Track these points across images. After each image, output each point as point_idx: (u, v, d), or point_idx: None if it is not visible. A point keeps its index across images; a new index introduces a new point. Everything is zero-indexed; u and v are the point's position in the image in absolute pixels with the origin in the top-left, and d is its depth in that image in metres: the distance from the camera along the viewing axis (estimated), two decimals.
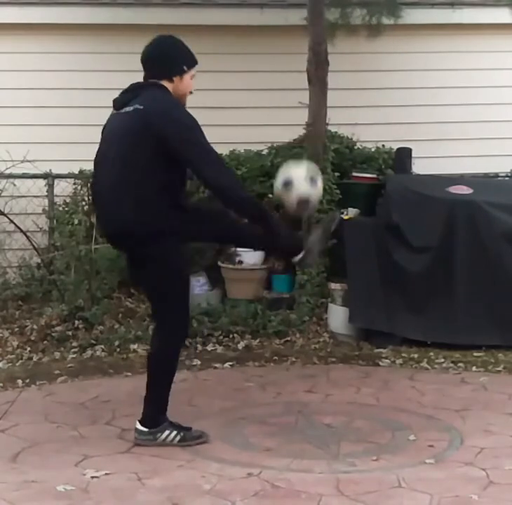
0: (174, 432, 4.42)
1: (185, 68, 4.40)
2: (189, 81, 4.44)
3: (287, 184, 4.49)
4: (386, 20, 7.58)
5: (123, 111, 4.36)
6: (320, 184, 4.58)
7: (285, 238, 4.68)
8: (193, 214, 4.50)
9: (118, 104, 4.43)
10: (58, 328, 6.62)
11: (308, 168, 4.61)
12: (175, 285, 4.40)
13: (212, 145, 4.31)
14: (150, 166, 4.23)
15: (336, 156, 7.40)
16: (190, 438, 4.43)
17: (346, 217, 7.09)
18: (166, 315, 4.45)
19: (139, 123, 4.25)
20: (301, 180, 4.48)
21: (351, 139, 8.01)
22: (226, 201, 4.41)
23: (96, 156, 4.47)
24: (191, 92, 4.47)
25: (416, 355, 6.32)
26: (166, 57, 4.43)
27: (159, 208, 4.26)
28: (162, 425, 4.41)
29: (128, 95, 4.41)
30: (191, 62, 4.46)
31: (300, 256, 4.73)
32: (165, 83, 4.39)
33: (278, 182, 4.54)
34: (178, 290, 4.42)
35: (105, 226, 4.50)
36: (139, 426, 4.43)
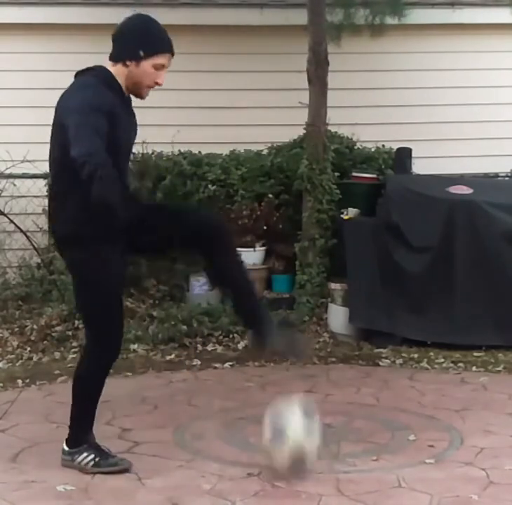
0: (91, 455, 4.01)
1: (141, 53, 3.80)
2: (150, 69, 3.83)
3: (278, 435, 3.71)
4: (390, 20, 7.57)
5: None
6: (317, 430, 3.80)
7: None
8: (140, 216, 3.85)
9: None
10: (58, 328, 6.62)
11: (305, 413, 3.83)
12: (94, 302, 3.89)
13: (94, 125, 3.64)
14: (64, 160, 3.81)
15: (336, 156, 7.40)
16: (105, 464, 4.02)
17: (346, 217, 7.09)
18: (88, 332, 4.08)
19: (55, 117, 4.03)
20: (297, 432, 3.71)
21: (351, 139, 8.02)
22: (78, 168, 3.60)
23: None
24: (157, 84, 3.87)
25: (416, 355, 6.32)
26: (122, 37, 3.91)
27: (76, 207, 3.81)
28: (81, 446, 4.04)
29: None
30: (154, 48, 3.84)
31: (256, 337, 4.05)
32: (118, 67, 3.87)
33: (266, 433, 3.79)
34: (98, 307, 3.90)
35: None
36: (63, 445, 4.12)
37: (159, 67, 3.86)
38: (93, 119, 3.64)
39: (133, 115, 4.06)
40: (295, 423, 3.75)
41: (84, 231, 3.82)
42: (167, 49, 3.90)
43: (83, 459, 4.02)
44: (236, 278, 4.06)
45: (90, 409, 4.04)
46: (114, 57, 3.90)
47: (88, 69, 3.96)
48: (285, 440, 3.72)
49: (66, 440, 4.10)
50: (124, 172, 3.97)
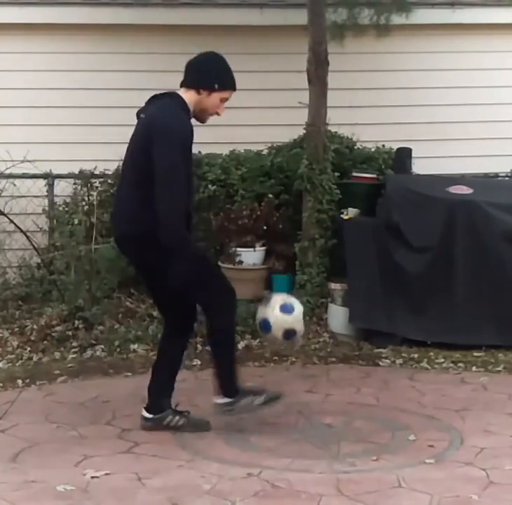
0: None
1: (216, 86, 4.41)
2: (217, 101, 4.44)
3: (265, 325, 4.58)
4: (396, 19, 7.55)
5: (139, 118, 4.50)
6: (297, 306, 4.61)
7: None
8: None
9: (137, 112, 4.53)
10: (58, 328, 6.62)
11: (276, 300, 4.62)
12: (191, 278, 4.37)
13: (180, 169, 4.24)
14: (148, 171, 4.26)
15: (336, 156, 7.40)
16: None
17: (346, 217, 7.09)
18: (205, 302, 4.57)
19: (140, 132, 4.39)
20: (275, 315, 4.54)
21: (351, 139, 8.02)
22: (160, 227, 4.24)
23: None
24: (217, 114, 4.48)
25: (416, 355, 6.32)
26: (202, 68, 4.48)
27: (152, 213, 4.24)
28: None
29: (146, 105, 4.51)
30: (226, 84, 4.47)
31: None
32: (191, 94, 4.41)
33: (259, 328, 4.68)
34: (197, 277, 4.41)
35: (113, 229, 4.66)
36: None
37: (224, 100, 4.48)
38: (178, 171, 4.24)
39: None
40: (272, 311, 4.59)
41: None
42: (234, 86, 4.53)
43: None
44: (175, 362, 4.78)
45: (234, 361, 4.67)
46: (189, 84, 4.43)
47: (168, 95, 4.46)
48: (271, 327, 4.55)
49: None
50: (190, 196, 4.53)
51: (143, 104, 4.54)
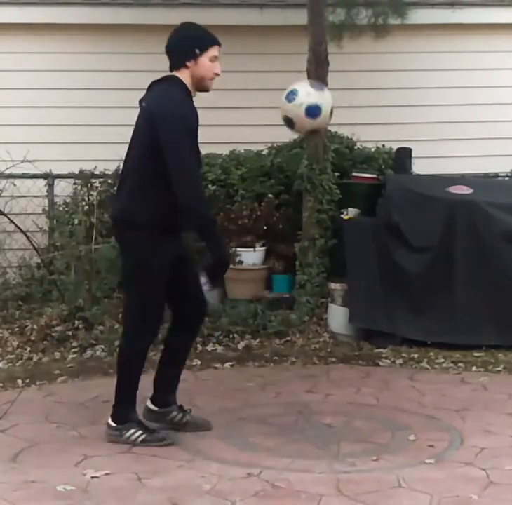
0: (140, 432, 4.42)
1: (197, 51, 4.33)
2: (207, 63, 4.36)
3: (292, 93, 4.55)
4: (392, 20, 7.57)
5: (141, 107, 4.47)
6: (327, 92, 4.64)
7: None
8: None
9: (140, 100, 4.50)
10: (58, 328, 6.62)
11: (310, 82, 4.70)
12: (140, 281, 4.33)
13: (193, 154, 4.27)
14: (146, 161, 4.28)
15: (336, 156, 7.40)
16: (154, 439, 4.42)
17: (346, 217, 7.09)
18: (128, 313, 4.51)
19: (142, 120, 4.36)
20: (305, 88, 4.56)
21: (351, 139, 8.02)
22: (183, 208, 4.26)
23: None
24: (217, 75, 4.41)
25: (416, 355, 6.32)
26: (176, 44, 4.40)
27: (152, 199, 4.27)
28: (128, 423, 4.43)
29: (146, 92, 4.48)
30: (205, 43, 4.37)
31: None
32: (182, 72, 4.36)
33: (283, 97, 4.60)
34: (143, 287, 4.34)
35: (111, 213, 4.69)
36: (109, 421, 4.49)
37: (213, 59, 4.40)
38: (188, 151, 4.24)
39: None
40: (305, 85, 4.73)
41: (156, 222, 4.27)
42: (215, 41, 4.43)
43: (131, 435, 4.40)
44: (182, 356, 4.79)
45: (131, 387, 4.44)
46: (175, 65, 4.39)
47: (167, 79, 4.40)
48: (297, 97, 4.62)
49: (112, 416, 4.46)
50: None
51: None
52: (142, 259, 4.31)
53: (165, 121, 4.22)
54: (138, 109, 4.44)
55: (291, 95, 4.60)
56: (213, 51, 4.40)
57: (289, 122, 4.65)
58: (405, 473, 4.03)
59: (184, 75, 4.37)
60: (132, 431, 4.41)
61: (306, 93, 4.59)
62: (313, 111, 4.58)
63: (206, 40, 4.40)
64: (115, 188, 7.53)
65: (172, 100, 4.29)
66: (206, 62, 4.37)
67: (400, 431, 4.66)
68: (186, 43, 4.36)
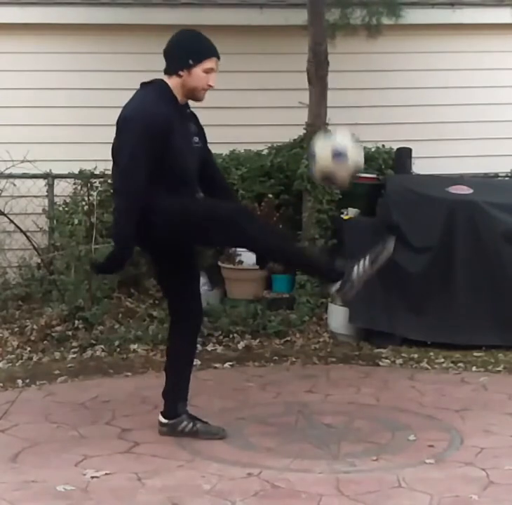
0: (191, 424, 4.53)
1: (191, 62, 4.25)
2: (201, 74, 4.27)
3: (340, 155, 4.33)
4: (386, 20, 7.57)
5: None
6: (351, 156, 4.35)
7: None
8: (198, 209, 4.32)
9: None
10: (58, 328, 6.63)
11: (350, 134, 4.46)
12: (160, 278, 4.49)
13: (138, 158, 4.11)
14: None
15: None
16: (205, 431, 4.55)
17: (346, 217, 7.09)
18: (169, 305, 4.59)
19: (118, 124, 4.30)
20: (352, 148, 4.37)
21: None
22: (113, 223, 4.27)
23: None
24: (210, 86, 4.32)
25: (416, 355, 6.32)
26: (172, 51, 4.34)
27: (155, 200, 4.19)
28: (181, 417, 4.52)
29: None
30: (201, 55, 4.29)
31: (337, 286, 4.33)
32: (173, 79, 4.30)
33: (325, 155, 4.35)
34: (164, 283, 4.51)
35: None
36: (161, 418, 4.57)
37: (209, 71, 4.31)
38: (139, 167, 4.11)
39: (192, 120, 4.49)
40: (351, 145, 4.39)
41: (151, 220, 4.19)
42: (213, 54, 4.35)
43: (185, 426, 4.51)
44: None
45: (186, 379, 4.54)
46: (168, 71, 4.33)
47: (150, 83, 4.36)
48: (347, 158, 4.33)
49: (163, 412, 4.55)
50: (192, 181, 4.37)
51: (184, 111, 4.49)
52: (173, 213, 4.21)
53: (124, 124, 4.19)
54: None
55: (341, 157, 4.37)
56: (209, 63, 4.31)
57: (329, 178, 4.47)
58: (405, 473, 4.03)
59: (174, 82, 4.30)
60: (185, 423, 4.51)
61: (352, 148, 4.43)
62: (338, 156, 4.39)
63: (203, 52, 4.32)
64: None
65: (140, 104, 4.22)
66: (200, 74, 4.28)
67: (400, 431, 4.66)
68: (182, 52, 4.29)
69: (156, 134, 4.11)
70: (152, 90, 4.28)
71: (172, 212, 4.19)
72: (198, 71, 4.28)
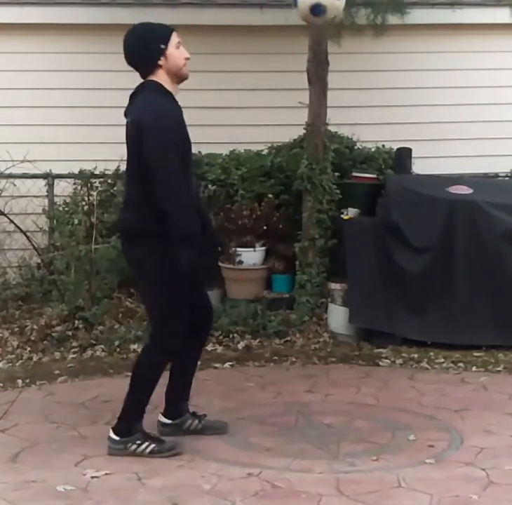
0: (146, 443, 4.29)
1: (162, 46, 4.25)
2: (175, 52, 4.27)
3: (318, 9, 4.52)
4: (391, 19, 7.55)
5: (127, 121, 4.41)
6: (330, 9, 4.58)
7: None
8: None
9: (125, 113, 4.45)
10: (58, 328, 6.63)
11: None
12: (163, 293, 4.24)
13: (174, 158, 4.15)
14: (143, 173, 4.20)
15: (336, 156, 7.39)
16: (163, 449, 4.30)
17: (346, 217, 7.09)
18: (156, 325, 4.35)
19: (131, 135, 4.29)
20: (302, 6, 4.54)
21: (351, 139, 8.02)
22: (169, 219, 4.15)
23: None
24: (187, 59, 4.30)
25: (416, 355, 6.32)
26: (140, 51, 4.31)
27: (152, 212, 4.17)
28: (134, 435, 4.30)
29: (128, 104, 4.41)
30: (164, 35, 4.29)
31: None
32: (157, 74, 4.27)
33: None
34: (167, 300, 4.24)
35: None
36: (111, 434, 4.33)
37: (178, 45, 4.30)
38: (173, 157, 4.14)
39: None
40: None
41: (157, 231, 4.18)
42: (171, 28, 4.34)
43: (137, 447, 4.27)
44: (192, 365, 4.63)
45: (146, 398, 4.33)
46: (148, 70, 4.31)
47: (143, 87, 4.34)
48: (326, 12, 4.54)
49: (114, 429, 4.31)
50: (191, 180, 4.42)
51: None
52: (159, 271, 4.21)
53: (150, 131, 4.15)
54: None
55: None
56: (174, 38, 4.30)
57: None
58: (405, 473, 4.03)
59: (160, 76, 4.29)
60: (139, 442, 4.27)
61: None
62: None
63: (164, 32, 4.32)
64: (115, 188, 7.59)
65: (153, 109, 4.22)
66: (174, 52, 4.28)
67: (400, 431, 4.66)
68: (150, 44, 4.28)
69: (177, 127, 4.24)
70: (152, 92, 4.27)
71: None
72: (171, 51, 4.27)
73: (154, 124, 4.16)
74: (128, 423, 4.31)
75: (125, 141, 4.41)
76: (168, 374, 4.55)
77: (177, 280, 4.17)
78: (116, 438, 4.31)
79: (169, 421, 4.56)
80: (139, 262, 4.29)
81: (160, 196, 4.12)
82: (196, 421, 4.57)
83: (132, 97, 4.38)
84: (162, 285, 4.22)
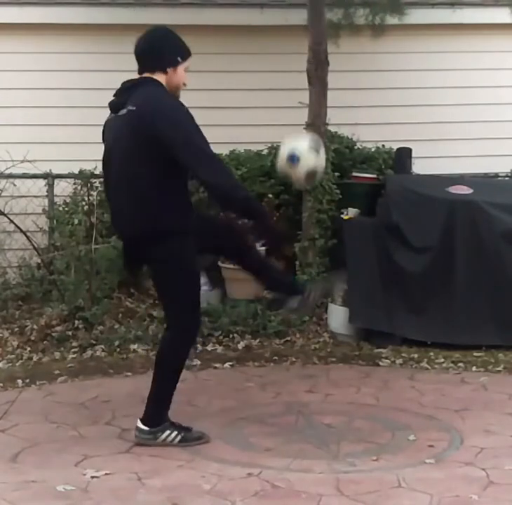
0: (175, 432, 4.40)
1: (179, 59, 4.33)
2: (183, 72, 4.36)
3: (293, 158, 4.39)
4: (390, 19, 7.56)
5: (119, 114, 4.32)
6: (322, 153, 4.52)
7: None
8: (202, 222, 4.49)
9: (114, 106, 4.39)
10: (58, 328, 6.63)
11: (311, 140, 4.57)
12: (183, 285, 4.35)
13: (209, 143, 4.22)
14: (149, 168, 4.20)
15: (336, 156, 7.40)
16: (191, 438, 4.42)
17: (346, 217, 7.09)
18: (177, 314, 4.42)
19: (134, 126, 4.21)
20: (306, 153, 4.41)
21: (351, 139, 8.02)
22: (224, 202, 4.30)
23: (103, 162, 4.48)
24: (184, 85, 4.39)
25: (416, 355, 6.32)
26: (160, 48, 4.34)
27: (163, 209, 4.24)
28: (163, 425, 4.39)
29: (122, 96, 4.36)
30: (185, 53, 4.38)
31: (296, 303, 4.66)
32: (159, 76, 4.31)
33: (282, 157, 4.44)
34: (186, 289, 4.37)
35: (121, 232, 4.58)
36: (140, 425, 4.41)
37: (187, 69, 4.40)
38: (204, 137, 4.21)
39: None
40: (306, 149, 4.42)
41: (171, 227, 4.28)
42: (190, 51, 4.42)
43: (167, 437, 4.37)
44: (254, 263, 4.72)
45: (172, 388, 4.41)
46: (154, 68, 4.32)
47: (143, 81, 4.34)
48: (299, 162, 4.39)
49: (143, 419, 4.39)
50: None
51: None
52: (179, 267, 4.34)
53: (169, 118, 4.15)
54: None
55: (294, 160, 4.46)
56: (189, 61, 4.40)
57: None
58: (405, 473, 4.03)
59: (160, 79, 4.32)
60: (168, 432, 4.38)
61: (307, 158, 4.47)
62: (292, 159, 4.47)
63: (187, 50, 4.40)
64: None
65: (166, 97, 4.26)
66: (182, 72, 4.36)
67: (400, 431, 4.66)
68: (171, 50, 4.34)
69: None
70: (159, 87, 4.30)
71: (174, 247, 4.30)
72: (182, 68, 4.36)
73: (173, 111, 4.19)
74: (157, 414, 4.38)
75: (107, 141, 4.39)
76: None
77: (192, 268, 4.38)
78: (145, 428, 4.39)
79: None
80: (164, 260, 4.32)
81: (207, 175, 4.16)
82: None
83: (128, 89, 4.35)
84: (185, 275, 4.33)
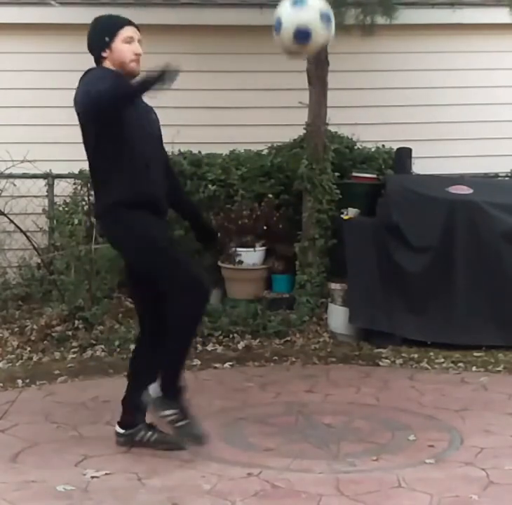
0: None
1: (107, 39, 4.28)
2: (122, 47, 4.25)
3: (303, 35, 3.96)
4: (381, 20, 7.54)
5: None
6: (315, 37, 4.05)
7: None
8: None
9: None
10: (58, 328, 6.63)
11: (320, 4, 4.00)
12: (154, 254, 4.11)
13: (120, 87, 4.08)
14: (95, 149, 4.38)
15: (336, 156, 7.40)
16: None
17: (346, 217, 7.09)
18: (168, 281, 4.12)
19: (77, 113, 4.29)
20: (319, 27, 3.93)
21: (351, 139, 8.02)
22: (98, 112, 4.12)
23: None
24: (137, 54, 4.26)
25: (416, 355, 6.32)
26: (89, 42, 4.45)
27: (116, 189, 4.18)
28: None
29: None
30: (113, 27, 4.30)
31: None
32: (104, 63, 4.34)
33: (287, 34, 4.09)
34: (160, 256, 4.11)
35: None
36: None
37: (129, 40, 4.28)
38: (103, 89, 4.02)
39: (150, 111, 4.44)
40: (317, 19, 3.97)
41: (122, 201, 4.16)
42: (124, 23, 4.33)
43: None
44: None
45: (186, 353, 4.32)
46: (96, 60, 4.39)
47: (87, 72, 4.38)
48: (310, 38, 4.01)
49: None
50: (157, 181, 4.31)
51: (142, 102, 4.42)
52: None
53: (82, 90, 4.17)
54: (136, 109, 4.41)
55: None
56: (125, 32, 4.28)
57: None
58: (405, 473, 4.03)
59: (107, 65, 4.33)
60: (143, 433, 4.34)
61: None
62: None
63: (114, 25, 4.32)
64: None
65: (88, 80, 4.22)
66: (120, 46, 4.26)
67: (400, 431, 4.66)
68: (96, 36, 4.37)
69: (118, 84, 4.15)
70: (93, 69, 4.34)
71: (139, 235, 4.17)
72: (117, 44, 4.27)
73: (85, 87, 4.16)
74: (171, 383, 4.21)
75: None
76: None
77: (153, 236, 4.16)
78: (156, 395, 4.17)
79: (122, 431, 4.41)
80: (121, 236, 4.23)
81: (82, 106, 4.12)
82: (150, 433, 4.37)
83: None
84: (148, 243, 4.15)
